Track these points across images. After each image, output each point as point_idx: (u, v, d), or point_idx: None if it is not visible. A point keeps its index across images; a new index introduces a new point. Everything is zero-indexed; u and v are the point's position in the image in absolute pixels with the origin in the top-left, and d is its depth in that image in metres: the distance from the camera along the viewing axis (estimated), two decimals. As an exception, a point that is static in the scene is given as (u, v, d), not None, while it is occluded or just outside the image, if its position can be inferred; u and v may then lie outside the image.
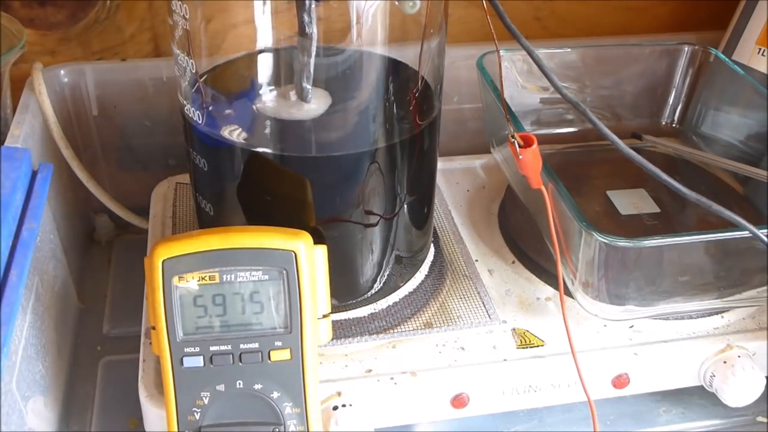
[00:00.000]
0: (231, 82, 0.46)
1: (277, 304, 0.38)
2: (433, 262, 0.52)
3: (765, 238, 0.41)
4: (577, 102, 0.42)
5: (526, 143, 0.44)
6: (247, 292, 0.38)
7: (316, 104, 0.43)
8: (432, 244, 0.53)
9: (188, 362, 0.38)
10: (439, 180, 0.60)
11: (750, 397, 0.47)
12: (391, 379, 0.44)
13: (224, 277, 0.38)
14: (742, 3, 0.64)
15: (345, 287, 0.47)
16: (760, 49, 0.62)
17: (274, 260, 0.38)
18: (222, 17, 0.42)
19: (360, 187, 0.43)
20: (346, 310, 0.47)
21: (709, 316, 0.50)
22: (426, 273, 0.51)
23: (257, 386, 0.39)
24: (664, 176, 0.41)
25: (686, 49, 0.62)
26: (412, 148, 0.44)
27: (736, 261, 0.46)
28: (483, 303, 0.49)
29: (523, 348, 0.47)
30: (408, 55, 0.44)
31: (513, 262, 0.54)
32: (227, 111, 0.44)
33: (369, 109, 0.43)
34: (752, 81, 0.57)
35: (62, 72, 0.60)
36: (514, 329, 0.48)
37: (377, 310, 0.48)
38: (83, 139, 0.62)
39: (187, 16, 0.40)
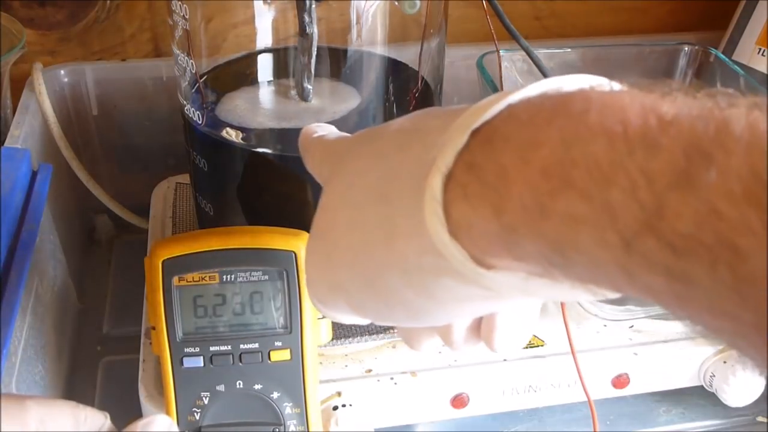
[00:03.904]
0: (231, 83, 0.46)
1: (277, 304, 0.38)
2: (433, 262, 0.52)
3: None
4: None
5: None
6: (247, 292, 0.38)
7: (319, 103, 0.43)
8: (432, 244, 0.53)
9: (188, 362, 0.38)
10: (439, 180, 0.60)
11: (750, 397, 0.47)
12: (391, 379, 0.44)
13: (224, 277, 0.38)
14: (742, 3, 0.64)
15: (345, 287, 0.47)
16: (760, 49, 0.62)
17: (274, 260, 0.38)
18: (222, 17, 0.42)
19: (360, 187, 0.43)
20: (346, 310, 0.47)
21: (709, 316, 0.49)
22: (426, 273, 0.51)
23: (257, 386, 0.39)
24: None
25: (686, 49, 0.62)
26: (412, 148, 0.44)
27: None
28: (483, 303, 0.49)
29: (523, 348, 0.47)
30: (408, 55, 0.44)
31: (513, 262, 0.54)
32: (227, 111, 0.44)
33: (369, 109, 0.43)
34: (752, 81, 0.57)
35: (62, 72, 0.60)
36: (514, 329, 0.48)
37: (377, 310, 0.48)
38: (83, 139, 0.62)
39: (187, 16, 0.40)
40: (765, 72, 0.61)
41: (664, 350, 0.47)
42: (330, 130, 0.32)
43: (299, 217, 0.43)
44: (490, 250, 0.21)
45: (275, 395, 0.39)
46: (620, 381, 0.47)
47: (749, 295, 0.15)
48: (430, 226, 0.21)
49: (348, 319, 0.29)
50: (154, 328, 0.38)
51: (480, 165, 0.20)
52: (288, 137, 0.43)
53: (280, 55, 0.44)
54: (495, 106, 0.21)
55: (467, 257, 0.21)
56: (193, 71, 0.42)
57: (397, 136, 0.25)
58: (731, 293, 0.16)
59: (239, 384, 0.39)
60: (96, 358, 0.54)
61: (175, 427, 0.33)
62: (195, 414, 0.39)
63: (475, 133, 0.21)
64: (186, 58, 0.42)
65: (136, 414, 0.43)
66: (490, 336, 0.28)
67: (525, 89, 0.21)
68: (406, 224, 0.22)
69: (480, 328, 0.28)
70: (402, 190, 0.22)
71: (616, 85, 0.21)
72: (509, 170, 0.19)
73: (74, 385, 0.51)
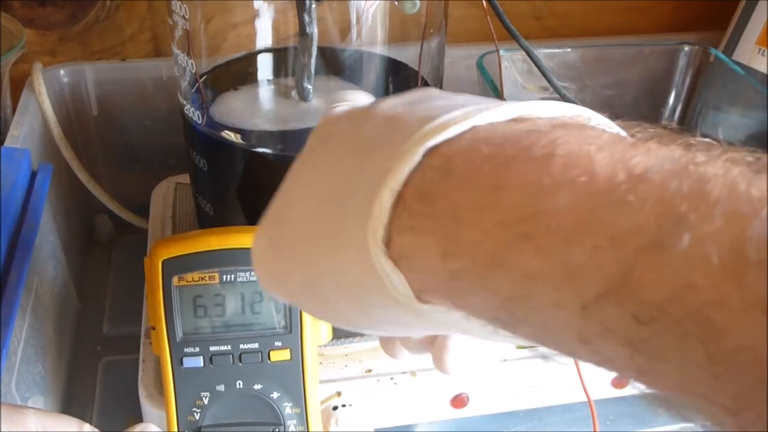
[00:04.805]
0: (231, 82, 0.46)
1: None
2: (433, 262, 0.52)
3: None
4: (577, 102, 0.42)
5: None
6: (247, 292, 0.38)
7: (319, 103, 0.43)
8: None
9: (188, 362, 0.38)
10: (439, 180, 0.60)
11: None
12: (391, 379, 0.44)
13: (224, 277, 0.38)
14: (742, 3, 0.64)
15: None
16: (760, 49, 0.62)
17: (274, 260, 0.38)
18: (222, 17, 0.42)
19: (360, 187, 0.43)
20: (346, 310, 0.47)
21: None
22: (426, 273, 0.51)
23: (257, 386, 0.39)
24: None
25: (686, 49, 0.62)
26: (412, 148, 0.44)
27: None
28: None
29: (523, 348, 0.47)
30: (408, 55, 0.44)
31: (513, 262, 0.54)
32: (227, 111, 0.44)
33: (369, 109, 0.43)
34: (752, 81, 0.57)
35: (62, 72, 0.60)
36: (514, 329, 0.48)
37: (377, 310, 0.48)
38: (83, 139, 0.62)
39: (187, 16, 0.40)
40: (765, 72, 0.61)
41: (664, 350, 0.47)
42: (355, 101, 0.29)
43: (299, 217, 0.43)
44: (430, 290, 0.19)
45: (275, 395, 0.39)
46: (620, 381, 0.47)
47: (723, 375, 0.14)
48: (370, 245, 0.20)
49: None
50: (154, 328, 0.38)
51: (433, 198, 0.19)
52: (288, 137, 0.43)
53: (280, 55, 0.44)
54: (460, 124, 0.19)
55: (405, 286, 0.20)
56: (193, 71, 0.42)
57: (377, 127, 0.22)
58: (702, 372, 0.14)
59: (239, 384, 0.39)
60: (96, 358, 0.54)
61: None
62: (195, 414, 0.39)
63: (434, 153, 0.19)
64: (186, 58, 0.42)
65: (136, 414, 0.43)
66: (440, 357, 0.26)
67: (494, 111, 0.20)
68: (353, 235, 0.20)
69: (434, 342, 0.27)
70: (357, 196, 0.21)
71: (596, 117, 0.20)
72: (463, 212, 0.18)
73: (74, 385, 0.52)
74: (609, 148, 0.17)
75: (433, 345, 0.27)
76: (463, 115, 0.19)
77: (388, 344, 0.30)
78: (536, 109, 0.20)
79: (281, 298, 0.26)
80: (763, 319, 0.13)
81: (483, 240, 0.17)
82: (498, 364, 0.46)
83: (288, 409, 0.39)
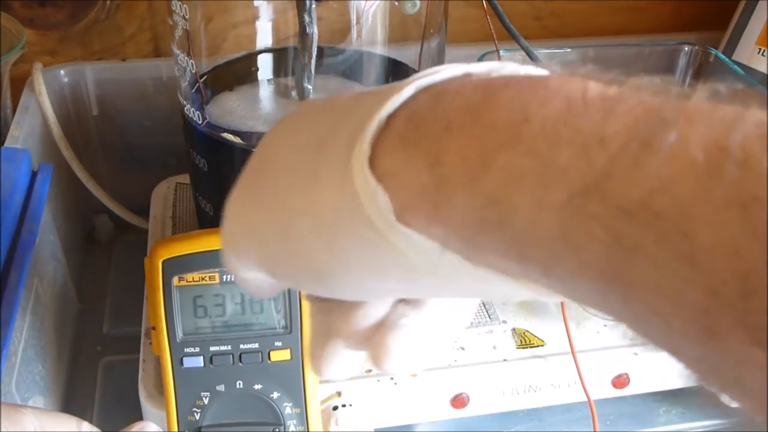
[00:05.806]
0: (231, 83, 0.46)
1: (277, 304, 0.38)
2: (433, 262, 0.52)
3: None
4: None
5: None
6: (247, 292, 0.38)
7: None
8: (432, 244, 0.53)
9: (188, 362, 0.38)
10: (439, 180, 0.60)
11: (750, 397, 0.47)
12: (391, 379, 0.44)
13: (224, 277, 0.38)
14: (742, 3, 0.64)
15: (345, 287, 0.47)
16: (760, 49, 0.62)
17: (274, 260, 0.38)
18: (222, 17, 0.42)
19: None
20: (346, 310, 0.47)
21: (709, 316, 0.49)
22: (426, 273, 0.51)
23: (257, 386, 0.39)
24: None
25: (686, 49, 0.62)
26: (412, 148, 0.44)
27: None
28: (483, 303, 0.49)
29: (523, 348, 0.47)
30: (408, 55, 0.44)
31: (513, 262, 0.54)
32: (227, 111, 0.44)
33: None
34: (752, 81, 0.57)
35: (62, 72, 0.60)
36: (514, 329, 0.48)
37: (377, 310, 0.48)
38: (83, 139, 0.62)
39: (187, 16, 0.40)
40: (765, 72, 0.61)
41: (664, 350, 0.47)
42: None
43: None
44: (412, 206, 0.19)
45: (275, 395, 0.39)
46: (620, 381, 0.47)
47: (699, 269, 0.14)
48: (354, 162, 0.20)
49: (253, 280, 0.26)
50: (154, 328, 0.38)
51: (424, 116, 0.19)
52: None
53: (280, 55, 0.44)
54: (453, 69, 0.20)
55: (386, 200, 0.19)
56: (193, 71, 0.42)
57: (359, 93, 0.23)
58: (678, 268, 0.15)
59: (239, 384, 0.39)
60: (96, 358, 0.54)
61: None
62: (195, 414, 0.39)
63: (427, 89, 0.20)
64: (186, 58, 0.42)
65: (136, 414, 0.43)
66: (378, 351, 0.25)
67: (487, 64, 0.20)
68: (331, 171, 0.21)
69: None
70: (339, 138, 0.21)
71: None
72: (455, 123, 0.18)
73: (74, 385, 0.51)
74: (598, 76, 0.18)
75: (371, 341, 0.26)
76: (455, 66, 0.20)
77: (320, 345, 0.27)
78: (528, 69, 0.21)
79: (250, 261, 0.25)
80: (741, 215, 0.14)
81: (474, 143, 0.18)
82: (498, 365, 0.46)
83: (288, 409, 0.39)
